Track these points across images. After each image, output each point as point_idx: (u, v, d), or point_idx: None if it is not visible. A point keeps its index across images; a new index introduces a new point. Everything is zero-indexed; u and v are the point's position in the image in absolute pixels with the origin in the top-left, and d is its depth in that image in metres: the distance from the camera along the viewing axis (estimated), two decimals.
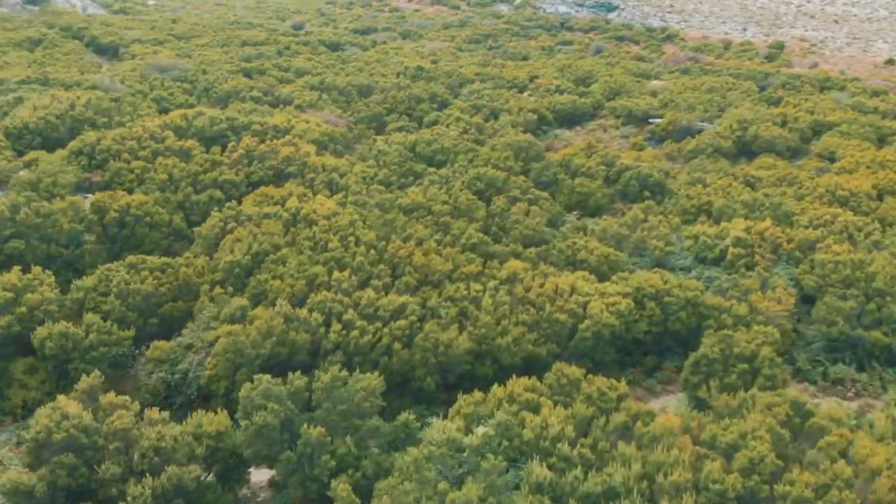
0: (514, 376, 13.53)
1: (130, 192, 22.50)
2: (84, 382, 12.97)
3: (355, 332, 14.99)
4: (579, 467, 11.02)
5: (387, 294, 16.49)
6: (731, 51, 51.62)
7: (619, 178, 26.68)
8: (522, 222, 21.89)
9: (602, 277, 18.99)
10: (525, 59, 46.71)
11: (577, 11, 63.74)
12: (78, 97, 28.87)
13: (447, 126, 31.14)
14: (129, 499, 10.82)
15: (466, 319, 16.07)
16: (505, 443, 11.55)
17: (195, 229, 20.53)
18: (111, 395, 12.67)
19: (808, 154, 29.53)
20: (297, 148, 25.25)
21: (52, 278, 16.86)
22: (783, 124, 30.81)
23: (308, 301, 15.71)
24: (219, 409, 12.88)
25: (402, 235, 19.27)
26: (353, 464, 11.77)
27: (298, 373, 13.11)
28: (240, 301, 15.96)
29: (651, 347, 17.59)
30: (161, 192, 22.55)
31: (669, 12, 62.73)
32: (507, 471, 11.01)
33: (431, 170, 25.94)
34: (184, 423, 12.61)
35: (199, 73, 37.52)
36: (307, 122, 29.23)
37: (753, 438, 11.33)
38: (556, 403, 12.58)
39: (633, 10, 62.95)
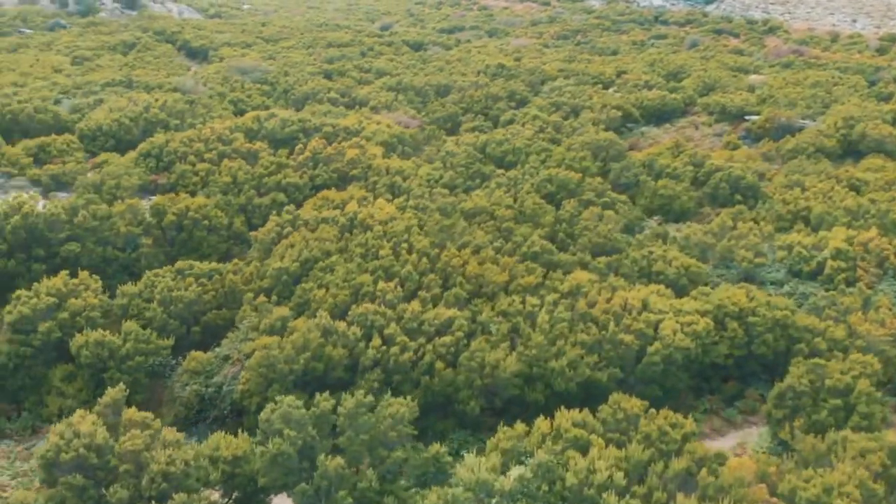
0: (563, 407, 12.04)
1: (193, 194, 22.28)
2: (108, 395, 12.41)
3: (395, 349, 13.88)
4: None
5: (435, 306, 15.31)
6: (839, 43, 47.55)
7: (709, 179, 24.47)
8: (593, 228, 20.21)
9: (680, 292, 17.14)
10: (614, 54, 44.51)
11: (672, 5, 60.62)
12: (156, 99, 29.19)
13: (522, 125, 29.66)
14: None
15: (519, 337, 14.68)
16: (543, 488, 10.14)
17: (252, 233, 20.00)
18: (132, 411, 12.02)
19: None
20: (362, 150, 24.45)
21: (99, 283, 16.59)
22: (895, 122, 27.61)
23: (350, 313, 14.73)
24: (240, 431, 12.03)
25: (458, 242, 18.04)
26: (374, 500, 10.64)
27: (326, 394, 12.10)
28: (281, 311, 15.16)
29: (733, 372, 15.65)
30: (223, 195, 22.21)
31: (772, 3, 58.71)
32: None
33: (500, 171, 24.57)
34: (203, 443, 11.82)
35: (279, 75, 37.51)
36: (378, 123, 28.44)
37: (840, 496, 9.47)
38: (608, 443, 11.03)
39: (733, 2, 59.29)
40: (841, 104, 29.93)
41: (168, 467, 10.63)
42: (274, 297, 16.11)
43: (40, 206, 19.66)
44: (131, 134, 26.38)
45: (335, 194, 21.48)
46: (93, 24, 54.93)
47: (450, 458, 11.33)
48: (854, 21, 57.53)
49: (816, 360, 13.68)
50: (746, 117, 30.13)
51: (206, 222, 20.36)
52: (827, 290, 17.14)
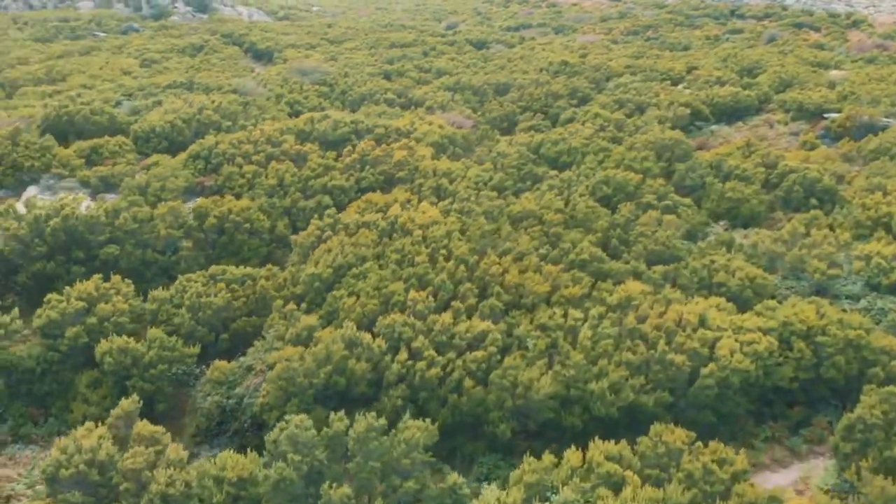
0: (599, 436, 10.90)
1: (239, 196, 21.99)
2: (121, 407, 12.00)
3: (421, 364, 12.99)
4: None
5: (469, 318, 14.34)
6: None
7: (781, 181, 22.63)
8: (651, 235, 18.82)
9: (742, 306, 15.65)
10: (685, 49, 42.43)
11: None
12: (212, 101, 29.19)
13: (582, 123, 28.32)
14: None
15: (558, 354, 13.56)
16: None
17: (292, 237, 19.49)
18: (142, 425, 11.57)
19: None
20: (410, 151, 23.68)
21: (131, 287, 16.31)
22: None
23: (377, 324, 13.92)
24: (249, 449, 11.36)
25: (500, 249, 17.02)
26: None
27: (341, 413, 11.34)
28: (309, 320, 14.48)
29: (799, 397, 14.10)
30: (269, 198, 21.83)
31: None
32: None
33: (553, 173, 23.37)
34: (212, 461, 11.22)
35: (338, 77, 37.21)
36: (430, 123, 27.64)
37: None
38: (645, 480, 9.85)
39: None
40: None
41: (167, 489, 10.06)
42: (304, 305, 15.46)
43: (83, 207, 19.67)
44: (183, 135, 26.35)
45: (379, 197, 20.79)
46: (164, 28, 56.22)
47: (468, 491, 10.35)
48: None
49: (892, 387, 12.06)
50: (825, 115, 27.93)
51: (247, 225, 19.96)
52: None
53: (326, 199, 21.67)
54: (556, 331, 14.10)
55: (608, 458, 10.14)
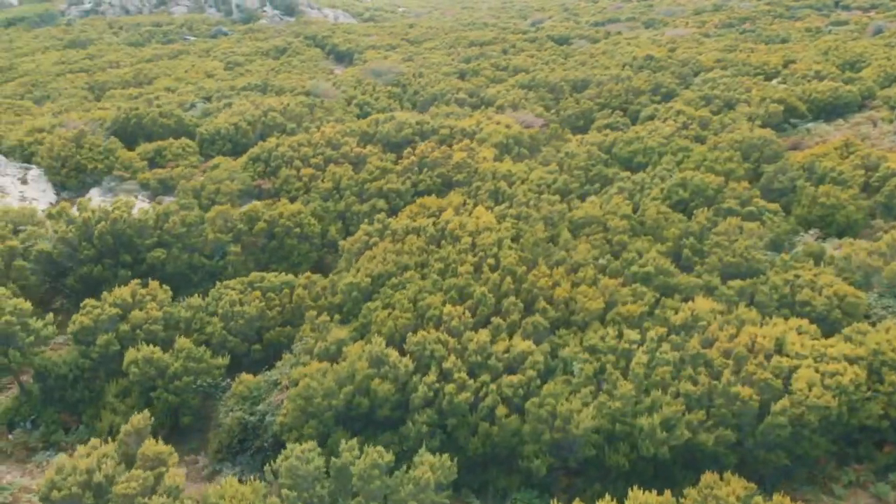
0: (642, 483, 9.43)
1: (294, 200, 21.46)
2: (132, 423, 11.39)
3: (450, 387, 11.80)
4: None
5: (510, 337, 13.05)
6: None
7: (883, 186, 20.14)
8: (728, 245, 16.94)
9: (828, 330, 13.69)
10: (783, 42, 39.35)
11: None
12: (282, 103, 28.96)
13: (664, 121, 26.36)
14: None
15: (606, 381, 12.08)
16: None
17: (340, 243, 18.70)
18: (149, 444, 10.89)
19: None
20: (470, 153, 22.51)
21: (168, 294, 15.84)
22: None
23: (407, 341, 12.83)
24: (253, 478, 10.49)
25: (553, 259, 15.61)
26: None
27: (353, 442, 10.32)
28: (339, 333, 13.55)
29: (889, 436, 12.09)
30: (323, 202, 21.18)
31: None
32: None
33: (626, 174, 21.65)
34: (219, 487, 10.42)
35: (412, 77, 36.46)
36: (498, 123, 26.38)
37: None
38: None
39: None
40: None
41: None
42: (337, 317, 14.55)
43: (136, 210, 19.51)
44: (248, 138, 26.15)
45: (433, 201, 19.70)
46: (251, 31, 57.22)
47: None
48: None
49: None
50: None
51: (297, 230, 19.32)
52: None
53: (381, 203, 20.81)
54: (607, 354, 12.61)
55: None
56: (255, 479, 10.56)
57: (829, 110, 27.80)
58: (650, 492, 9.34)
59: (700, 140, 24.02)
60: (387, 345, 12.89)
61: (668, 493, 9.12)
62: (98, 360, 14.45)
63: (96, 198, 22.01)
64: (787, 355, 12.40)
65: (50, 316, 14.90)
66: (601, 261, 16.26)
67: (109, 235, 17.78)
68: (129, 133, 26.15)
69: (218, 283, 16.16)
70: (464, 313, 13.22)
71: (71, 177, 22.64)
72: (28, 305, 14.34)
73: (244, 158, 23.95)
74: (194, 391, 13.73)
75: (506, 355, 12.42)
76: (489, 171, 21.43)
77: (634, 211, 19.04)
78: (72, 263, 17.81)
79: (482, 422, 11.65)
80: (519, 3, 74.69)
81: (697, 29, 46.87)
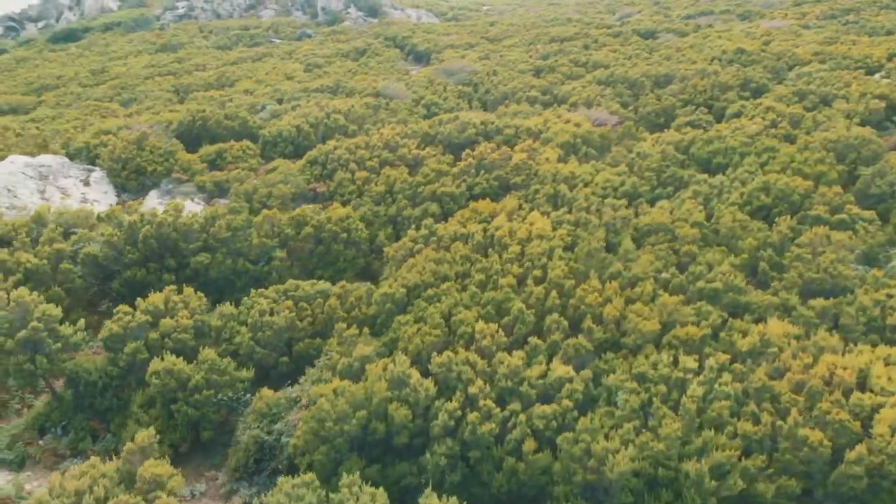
0: None
1: (347, 203, 20.75)
2: (137, 440, 10.79)
3: (474, 416, 10.60)
4: None
5: (550, 360, 11.73)
6: None
7: None
8: (812, 258, 14.99)
9: None
10: (889, 34, 35.86)
11: None
12: (350, 105, 28.41)
13: (751, 118, 24.17)
14: None
15: (652, 416, 10.58)
16: None
17: (385, 249, 17.81)
18: (149, 465, 10.23)
19: None
20: (531, 154, 21.16)
21: (203, 301, 15.32)
22: None
23: (432, 360, 11.71)
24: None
25: (608, 271, 14.14)
26: None
27: (354, 477, 9.29)
28: (364, 349, 12.57)
29: None
30: (375, 206, 20.36)
31: None
32: None
33: (702, 177, 19.76)
34: None
35: (485, 76, 35.29)
36: (567, 122, 24.88)
37: None
38: None
39: None
40: None
41: None
42: (366, 330, 13.59)
43: (187, 213, 19.22)
44: (309, 140, 25.65)
45: (486, 205, 18.53)
46: (334, 33, 57.44)
47: None
48: None
49: None
50: None
51: (344, 235, 18.57)
52: None
53: (433, 208, 19.78)
54: (658, 384, 11.10)
55: None
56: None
57: None
58: None
59: (789, 139, 21.78)
60: (412, 364, 11.84)
61: None
62: (126, 368, 14.05)
63: (154, 200, 21.99)
64: (871, 391, 10.56)
65: (81, 322, 14.63)
66: (664, 274, 14.67)
67: (154, 239, 17.50)
68: (195, 135, 26.14)
69: (252, 291, 15.52)
70: (497, 331, 11.98)
71: (131, 179, 22.72)
72: (57, 311, 14.08)
73: (302, 161, 23.45)
74: (215, 405, 13.07)
75: (540, 381, 11.12)
76: (550, 172, 20.03)
77: (708, 218, 17.26)
78: (118, 267, 17.64)
79: (508, 456, 10.41)
80: None
81: (796, 20, 43.55)
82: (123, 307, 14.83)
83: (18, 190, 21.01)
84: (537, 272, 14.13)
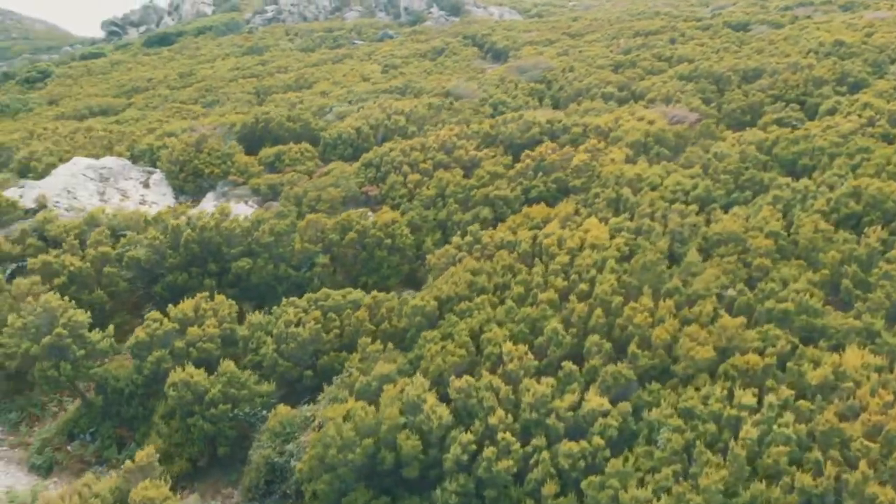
0: None
1: (397, 207, 19.92)
2: (138, 457, 10.23)
3: (490, 451, 9.44)
4: None
5: (586, 389, 10.42)
6: None
7: None
8: None
9: None
10: None
11: None
12: (413, 106, 27.63)
13: (846, 115, 21.84)
14: None
15: (695, 462, 9.11)
16: None
17: (427, 257, 16.83)
18: (144, 486, 9.61)
19: None
20: (595, 155, 19.68)
21: (234, 308, 14.76)
22: None
23: (450, 385, 10.61)
24: None
25: (663, 287, 12.65)
26: None
27: None
28: (385, 367, 11.61)
29: None
30: (424, 210, 19.43)
31: None
32: None
33: (786, 181, 17.78)
34: None
35: (560, 72, 33.80)
36: (640, 119, 23.20)
37: None
38: None
39: None
40: None
41: None
42: (391, 346, 12.62)
43: (234, 217, 18.83)
44: (369, 142, 24.99)
45: (539, 210, 17.27)
46: (415, 33, 56.98)
47: None
48: None
49: None
50: None
51: (388, 241, 17.71)
52: None
53: (485, 212, 18.65)
54: (707, 422, 9.61)
55: None
56: None
57: None
58: None
59: (887, 139, 19.39)
60: (434, 386, 10.79)
61: None
62: (150, 376, 13.63)
63: (210, 202, 21.79)
64: None
65: (110, 329, 14.31)
66: (729, 291, 13.03)
67: (196, 244, 17.14)
68: (258, 137, 25.93)
69: (284, 300, 14.84)
70: (526, 354, 10.76)
71: (189, 181, 22.65)
72: (84, 317, 13.80)
73: (358, 163, 22.78)
74: (231, 420, 12.42)
75: (570, 414, 9.83)
76: (613, 175, 18.51)
77: (787, 227, 15.40)
78: (161, 271, 17.40)
79: (527, 497, 9.20)
80: None
81: None
82: (154, 314, 14.43)
83: (78, 192, 21.23)
84: (584, 286, 12.79)
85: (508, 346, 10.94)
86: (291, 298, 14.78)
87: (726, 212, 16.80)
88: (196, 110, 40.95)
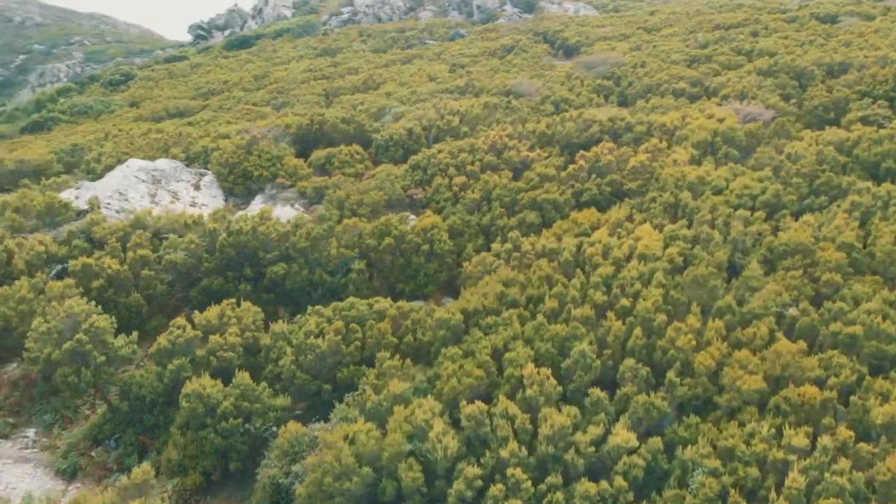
0: None
1: (441, 211, 19.07)
2: (135, 474, 9.77)
3: (497, 489, 8.44)
4: None
5: (614, 421, 9.28)
6: None
7: None
8: None
9: None
10: None
11: None
12: (470, 105, 26.73)
13: None
14: None
15: None
16: None
17: (464, 264, 15.91)
18: None
19: None
20: (654, 155, 18.29)
21: (260, 315, 14.23)
22: None
23: (461, 410, 9.66)
24: None
25: (714, 305, 11.33)
26: None
27: None
28: (399, 386, 10.76)
29: None
30: (468, 214, 18.49)
31: None
32: None
33: (866, 185, 15.99)
34: None
35: (630, 68, 32.21)
36: (710, 117, 21.57)
37: None
38: None
39: None
40: None
41: None
42: (409, 362, 11.75)
43: (278, 220, 18.40)
44: (420, 143, 24.22)
45: (588, 215, 16.10)
46: (486, 31, 55.98)
47: None
48: None
49: None
50: None
51: (426, 247, 16.88)
52: None
53: (532, 217, 17.54)
54: (750, 465, 8.34)
55: None
56: None
57: None
58: None
59: None
60: (447, 409, 9.87)
61: None
62: (170, 384, 13.23)
63: (258, 205, 21.49)
64: None
65: (134, 335, 13.99)
66: (791, 310, 11.60)
67: (231, 248, 16.76)
68: (312, 139, 25.56)
69: (309, 308, 14.21)
70: (548, 378, 9.69)
71: (238, 183, 22.41)
72: (107, 323, 13.51)
73: (406, 166, 22.03)
74: (243, 434, 11.83)
75: (592, 450, 8.73)
76: (673, 177, 17.10)
77: (864, 238, 13.74)
78: (199, 274, 17.11)
79: None
80: None
81: None
82: (178, 320, 14.06)
83: (130, 193, 21.30)
84: (625, 302, 11.59)
85: (530, 368, 9.90)
86: (317, 307, 14.11)
87: (797, 219, 15.21)
88: (266, 112, 41.21)
